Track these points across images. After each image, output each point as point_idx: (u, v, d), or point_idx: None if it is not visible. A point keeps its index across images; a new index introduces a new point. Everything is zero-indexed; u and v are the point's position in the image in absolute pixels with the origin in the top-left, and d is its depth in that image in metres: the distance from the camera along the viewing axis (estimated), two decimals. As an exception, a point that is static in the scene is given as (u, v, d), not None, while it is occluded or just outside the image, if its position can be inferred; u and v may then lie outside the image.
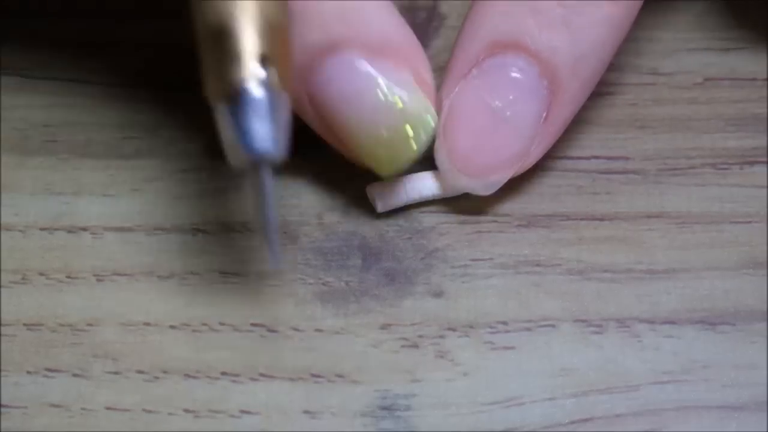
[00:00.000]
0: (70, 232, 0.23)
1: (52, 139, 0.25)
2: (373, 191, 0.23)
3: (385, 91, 0.21)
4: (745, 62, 0.25)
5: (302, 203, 0.24)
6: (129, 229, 0.23)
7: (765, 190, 0.24)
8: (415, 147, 0.22)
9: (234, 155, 0.19)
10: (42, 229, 0.23)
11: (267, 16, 0.18)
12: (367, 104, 0.21)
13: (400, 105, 0.21)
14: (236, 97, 0.18)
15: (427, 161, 0.24)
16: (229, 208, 0.23)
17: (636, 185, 0.24)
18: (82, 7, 0.27)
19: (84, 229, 0.23)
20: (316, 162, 0.24)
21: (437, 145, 0.23)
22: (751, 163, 0.24)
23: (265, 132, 0.18)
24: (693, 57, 0.26)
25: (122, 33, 0.26)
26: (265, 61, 0.18)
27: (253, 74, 0.18)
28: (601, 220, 0.23)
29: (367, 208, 0.23)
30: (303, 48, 0.21)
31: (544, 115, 0.22)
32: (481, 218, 0.23)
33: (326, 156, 0.24)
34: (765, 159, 0.24)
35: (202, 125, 0.25)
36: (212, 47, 0.18)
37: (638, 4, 0.22)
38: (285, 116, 0.19)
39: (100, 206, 0.24)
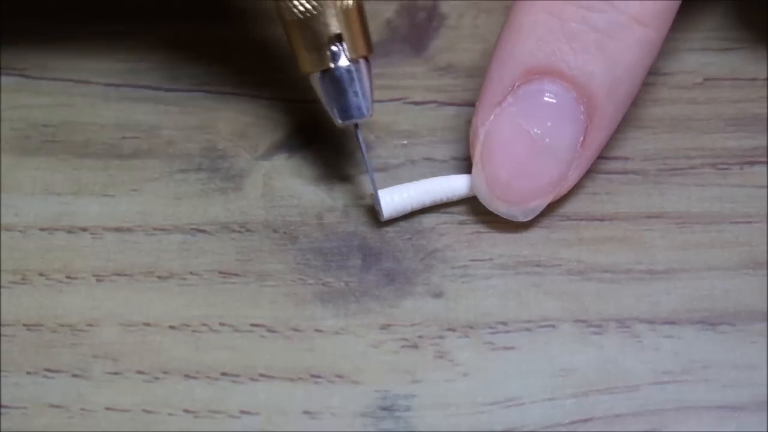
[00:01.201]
0: (69, 232, 0.23)
1: (51, 139, 0.25)
2: (375, 199, 0.23)
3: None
4: (745, 62, 0.25)
5: (302, 203, 0.24)
6: (129, 230, 0.23)
7: (765, 190, 0.23)
8: None
9: (333, 117, 0.22)
10: (42, 230, 0.23)
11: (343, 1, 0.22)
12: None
13: None
14: (328, 71, 0.22)
15: (427, 167, 0.24)
16: (229, 208, 0.23)
17: (636, 185, 0.24)
18: (83, 8, 0.27)
19: (84, 229, 0.23)
20: (316, 162, 0.24)
21: (474, 173, 0.23)
22: (751, 163, 0.24)
23: (354, 99, 0.22)
24: (693, 57, 0.26)
25: (122, 33, 0.26)
26: (344, 39, 0.22)
27: (338, 51, 0.22)
28: (601, 220, 0.23)
29: (367, 209, 0.23)
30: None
31: (581, 139, 0.22)
32: (481, 218, 0.23)
33: (326, 156, 0.24)
34: (765, 159, 0.24)
35: (202, 125, 0.25)
36: (302, 30, 0.22)
37: (668, 25, 0.22)
38: (368, 81, 0.22)
39: (100, 206, 0.24)
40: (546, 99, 0.22)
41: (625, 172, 0.24)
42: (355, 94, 0.22)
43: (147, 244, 0.23)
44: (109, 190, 0.24)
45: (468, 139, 0.23)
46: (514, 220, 0.23)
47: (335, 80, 0.22)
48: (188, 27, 0.26)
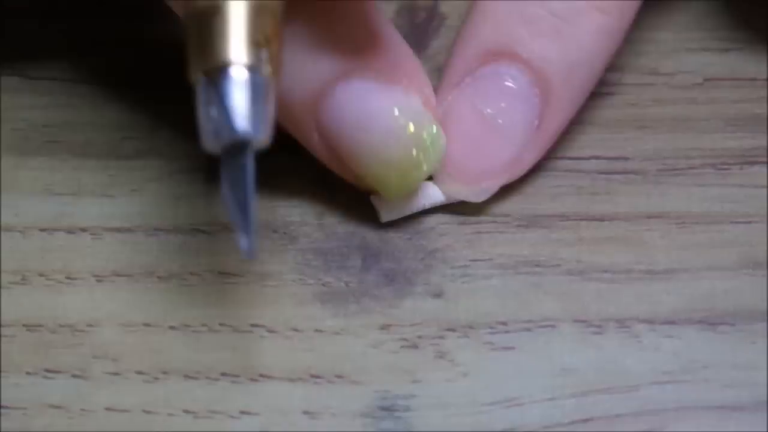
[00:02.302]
0: (69, 232, 0.23)
1: (51, 139, 0.25)
2: (377, 201, 0.23)
3: (397, 115, 0.21)
4: (745, 62, 0.25)
5: (302, 203, 0.24)
6: (128, 230, 0.23)
7: (765, 190, 0.23)
8: (425, 169, 0.22)
9: (211, 137, 0.18)
10: (42, 230, 0.23)
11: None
12: (379, 129, 0.21)
13: (412, 129, 0.21)
14: (219, 75, 0.18)
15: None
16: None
17: (636, 185, 0.24)
18: (83, 8, 0.27)
19: (84, 229, 0.23)
20: (316, 162, 0.24)
21: None
22: (751, 163, 0.24)
23: (249, 112, 0.18)
24: (693, 57, 0.26)
25: (123, 33, 0.26)
26: (252, 43, 0.18)
27: (239, 54, 0.18)
28: (601, 220, 0.23)
29: (367, 209, 0.23)
30: (313, 75, 0.21)
31: (536, 122, 0.22)
32: (481, 218, 0.23)
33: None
34: (765, 159, 0.24)
35: (201, 125, 0.25)
36: (199, 27, 0.18)
37: (632, 14, 0.22)
38: (271, 100, 0.18)
39: (100, 207, 0.24)
40: (501, 81, 0.22)
41: (625, 172, 0.24)
42: (259, 107, 0.18)
43: (147, 244, 0.23)
44: (109, 190, 0.24)
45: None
46: (467, 200, 0.23)
47: (237, 86, 0.18)
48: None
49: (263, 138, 0.18)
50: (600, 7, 0.22)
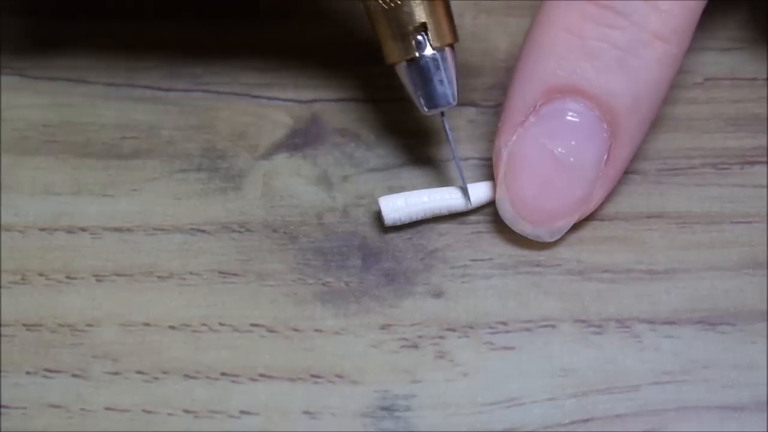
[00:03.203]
0: (69, 232, 0.23)
1: (51, 139, 0.25)
2: (382, 204, 0.23)
3: None
4: (745, 62, 0.25)
5: (302, 203, 0.24)
6: (128, 230, 0.23)
7: (765, 190, 0.23)
8: None
9: (419, 105, 0.22)
10: (41, 230, 0.23)
11: None
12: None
13: None
14: (414, 60, 0.22)
15: (427, 167, 0.24)
16: (228, 208, 0.23)
17: (636, 185, 0.24)
18: (83, 8, 0.27)
19: (83, 229, 0.23)
20: (316, 162, 0.24)
21: (499, 194, 0.22)
22: (751, 163, 0.24)
23: (440, 87, 0.22)
24: (693, 57, 0.26)
25: (123, 33, 0.26)
26: (429, 28, 0.22)
27: (423, 41, 0.22)
28: (601, 220, 0.23)
29: (368, 209, 0.23)
30: None
31: (605, 157, 0.22)
32: (481, 218, 0.23)
33: (326, 156, 0.24)
34: (765, 159, 0.24)
35: (201, 125, 0.25)
36: (387, 20, 0.22)
37: (688, 40, 0.22)
38: (453, 69, 0.22)
39: (100, 206, 0.24)
40: (569, 118, 0.22)
41: (625, 172, 0.24)
42: (441, 82, 0.22)
43: (147, 244, 0.23)
44: (109, 190, 0.24)
45: (471, 138, 0.23)
46: (540, 240, 0.23)
47: (420, 69, 0.22)
48: (188, 27, 0.26)
49: (454, 102, 0.22)
50: (661, 36, 0.21)
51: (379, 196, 0.23)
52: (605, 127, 0.22)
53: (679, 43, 0.22)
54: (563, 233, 0.23)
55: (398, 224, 0.23)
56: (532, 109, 0.22)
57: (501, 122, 0.22)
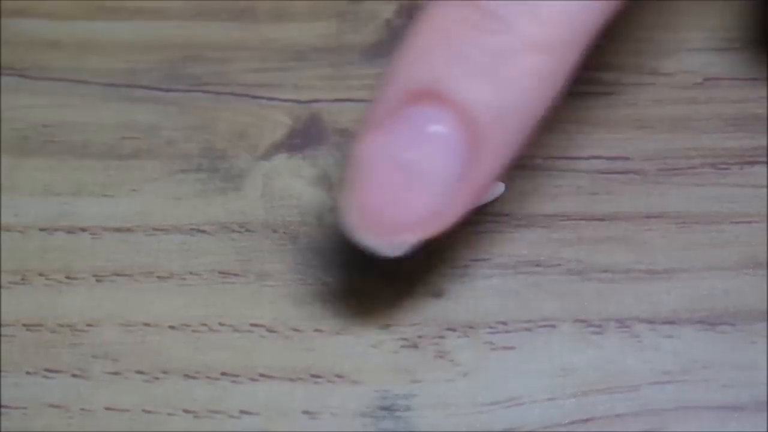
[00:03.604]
0: (69, 232, 0.23)
1: (51, 139, 0.25)
2: None
3: None
4: (745, 62, 0.25)
5: (302, 203, 0.24)
6: (128, 230, 0.23)
7: (765, 190, 0.23)
8: None
9: None
10: (41, 230, 0.23)
11: None
12: None
13: None
14: None
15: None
16: (228, 208, 0.23)
17: (636, 185, 0.24)
18: (82, 7, 0.27)
19: (83, 229, 0.23)
20: (316, 162, 0.24)
21: (341, 200, 0.20)
22: (751, 163, 0.24)
23: None
24: (693, 57, 0.26)
25: (123, 33, 0.26)
26: None
27: None
28: (601, 220, 0.23)
29: (367, 209, 0.23)
30: None
31: (461, 172, 0.19)
32: (481, 218, 0.23)
33: (326, 156, 0.24)
34: (765, 159, 0.24)
35: (201, 126, 0.25)
36: None
37: (575, 52, 0.20)
38: None
39: (100, 207, 0.24)
40: (424, 125, 0.19)
41: (625, 172, 0.24)
42: None
43: (147, 244, 0.23)
44: (109, 190, 0.24)
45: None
46: (382, 254, 0.20)
47: None
48: (188, 27, 0.26)
49: None
50: (536, 46, 0.19)
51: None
52: (464, 138, 0.19)
53: (559, 56, 0.19)
54: (408, 249, 0.20)
55: None
56: (390, 112, 0.20)
57: (363, 123, 0.20)
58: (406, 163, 0.19)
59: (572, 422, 0.21)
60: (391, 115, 0.19)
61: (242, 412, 0.21)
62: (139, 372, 0.21)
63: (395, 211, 0.20)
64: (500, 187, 0.23)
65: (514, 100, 0.19)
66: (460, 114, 0.19)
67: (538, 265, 0.23)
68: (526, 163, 0.24)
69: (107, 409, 0.21)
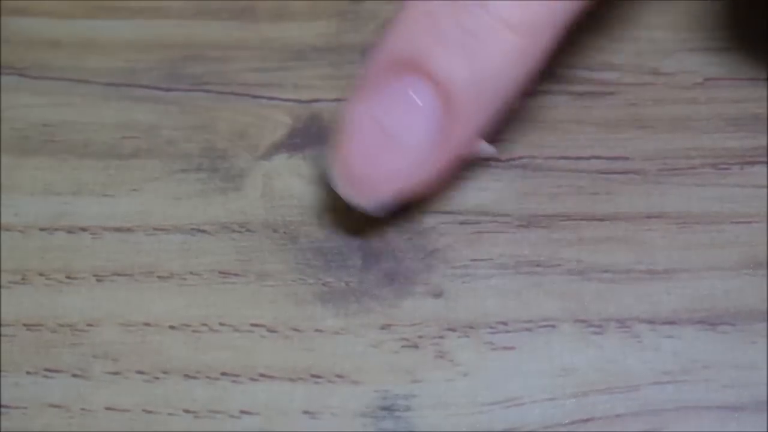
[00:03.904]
0: (69, 232, 0.23)
1: (51, 139, 0.25)
2: None
3: None
4: (745, 62, 0.25)
5: (302, 203, 0.24)
6: (128, 230, 0.23)
7: (765, 190, 0.23)
8: None
9: None
10: (42, 230, 0.23)
11: None
12: None
13: None
14: None
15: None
16: (229, 208, 0.23)
17: (636, 185, 0.24)
18: (82, 7, 0.27)
19: (83, 229, 0.23)
20: (316, 162, 0.24)
21: (329, 159, 0.22)
22: (751, 163, 0.24)
23: None
24: (693, 57, 0.26)
25: (123, 32, 0.26)
26: None
27: None
28: (601, 220, 0.23)
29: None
30: None
31: (437, 139, 0.22)
32: (481, 218, 0.23)
33: (326, 156, 0.24)
34: (765, 159, 0.24)
35: (201, 125, 0.25)
36: None
37: (548, 36, 0.21)
38: None
39: (100, 206, 0.24)
40: (403, 93, 0.21)
41: (625, 172, 0.24)
42: None
43: (147, 244, 0.23)
44: (109, 190, 0.24)
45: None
46: (365, 209, 0.22)
47: None
48: (188, 26, 0.26)
49: None
50: (511, 26, 0.21)
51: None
52: (439, 107, 0.21)
53: (534, 38, 0.21)
54: (388, 208, 0.22)
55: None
56: (375, 80, 0.22)
57: (354, 90, 0.22)
58: (386, 126, 0.21)
59: (572, 422, 0.21)
60: (376, 83, 0.22)
61: (242, 412, 0.21)
62: (139, 372, 0.21)
63: (373, 169, 0.22)
64: (490, 148, 0.23)
65: (488, 77, 0.21)
66: (437, 85, 0.21)
67: (538, 265, 0.23)
68: (526, 163, 0.24)
69: (107, 409, 0.21)
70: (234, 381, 0.21)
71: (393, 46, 0.22)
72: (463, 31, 0.21)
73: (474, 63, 0.21)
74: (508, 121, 0.24)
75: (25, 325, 0.22)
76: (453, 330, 0.22)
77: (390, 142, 0.22)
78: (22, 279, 0.23)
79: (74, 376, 0.21)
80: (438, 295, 0.22)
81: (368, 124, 0.22)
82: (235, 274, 0.23)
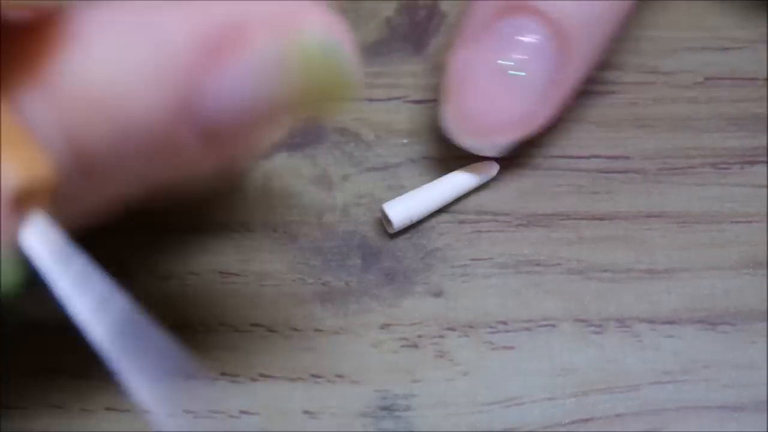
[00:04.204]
0: (69, 232, 0.23)
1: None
2: (390, 211, 0.23)
3: None
4: (745, 62, 0.25)
5: (302, 203, 0.24)
6: (129, 230, 0.23)
7: (765, 190, 0.23)
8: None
9: None
10: (41, 229, 0.23)
11: None
12: None
13: None
14: None
15: (427, 166, 0.24)
16: (229, 208, 0.23)
17: (636, 184, 0.24)
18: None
19: (83, 229, 0.23)
20: (316, 162, 0.24)
21: (443, 108, 0.23)
22: (751, 163, 0.24)
23: None
24: (693, 56, 0.26)
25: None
26: None
27: None
28: (601, 219, 0.23)
29: (367, 208, 0.23)
30: None
31: (553, 76, 0.22)
32: (481, 218, 0.23)
33: (326, 155, 0.24)
34: (765, 159, 0.24)
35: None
36: None
37: None
38: None
39: (100, 206, 0.24)
40: (518, 35, 0.22)
41: (625, 171, 0.24)
42: None
43: (148, 243, 0.23)
44: (109, 189, 0.24)
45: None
46: (483, 154, 0.23)
47: None
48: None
49: None
50: None
51: (379, 195, 0.23)
52: (555, 45, 0.22)
53: None
54: (505, 150, 0.23)
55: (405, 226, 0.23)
56: (484, 25, 0.22)
57: (456, 38, 0.23)
58: (501, 68, 0.22)
59: (572, 422, 0.21)
60: (485, 28, 0.22)
61: (242, 412, 0.21)
62: (139, 372, 0.21)
63: (493, 114, 0.22)
64: (495, 169, 0.23)
65: (597, 12, 0.22)
66: (549, 23, 0.22)
67: (538, 265, 0.23)
68: (526, 163, 0.24)
69: (107, 409, 0.21)
70: (234, 381, 0.21)
71: None
72: None
73: (584, 1, 0.22)
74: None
75: (25, 324, 0.22)
76: (453, 329, 0.22)
77: (511, 83, 0.22)
78: (22, 279, 0.23)
79: (74, 376, 0.21)
80: (438, 294, 0.22)
81: (483, 67, 0.22)
82: (235, 274, 0.23)
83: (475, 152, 0.23)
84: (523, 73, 0.22)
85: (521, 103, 0.22)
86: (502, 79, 0.22)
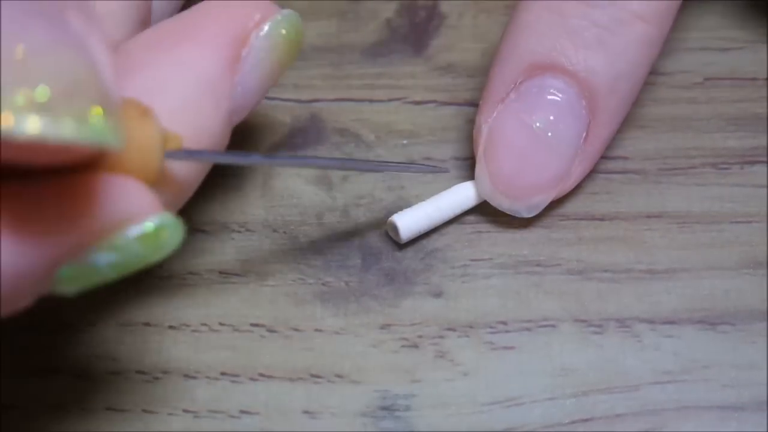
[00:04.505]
0: (69, 232, 0.23)
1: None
2: (399, 223, 0.22)
3: None
4: (745, 62, 0.25)
5: (302, 203, 0.24)
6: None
7: (765, 190, 0.23)
8: None
9: None
10: (42, 230, 0.23)
11: None
12: None
13: None
14: None
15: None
16: (229, 208, 0.23)
17: (636, 185, 0.24)
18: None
19: (84, 229, 0.23)
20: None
21: (478, 170, 0.23)
22: (752, 163, 0.24)
23: None
24: (693, 56, 0.26)
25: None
26: None
27: None
28: (601, 220, 0.23)
29: (367, 209, 0.23)
30: None
31: (585, 135, 0.22)
32: (481, 218, 0.23)
33: (326, 155, 0.24)
34: (765, 159, 0.24)
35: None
36: None
37: (670, 22, 0.22)
38: None
39: (100, 206, 0.24)
40: (548, 94, 0.22)
41: (625, 172, 0.24)
42: None
43: (147, 243, 0.23)
44: (109, 189, 0.24)
45: (470, 138, 0.23)
46: (518, 215, 0.23)
47: None
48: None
49: None
50: (642, 16, 0.21)
51: (379, 195, 0.23)
52: (584, 104, 0.22)
53: (660, 25, 0.22)
54: (541, 209, 0.23)
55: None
56: (512, 86, 0.22)
57: (482, 100, 0.23)
58: (532, 128, 0.22)
59: (572, 422, 0.21)
60: (514, 88, 0.22)
61: (242, 412, 0.21)
62: (139, 372, 0.21)
63: (528, 176, 0.22)
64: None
65: (624, 67, 0.22)
66: (579, 82, 0.22)
67: (538, 265, 0.23)
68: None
69: (107, 408, 0.21)
70: (234, 381, 0.21)
71: (525, 48, 0.22)
72: (596, 25, 0.21)
73: (612, 57, 0.22)
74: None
75: (25, 324, 0.22)
76: (453, 330, 0.22)
77: (543, 145, 0.22)
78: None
79: (74, 376, 0.21)
80: (438, 294, 0.22)
81: (518, 129, 0.22)
82: (235, 274, 0.23)
83: (511, 213, 0.23)
84: (554, 133, 0.22)
85: (555, 162, 0.22)
86: (534, 139, 0.22)
